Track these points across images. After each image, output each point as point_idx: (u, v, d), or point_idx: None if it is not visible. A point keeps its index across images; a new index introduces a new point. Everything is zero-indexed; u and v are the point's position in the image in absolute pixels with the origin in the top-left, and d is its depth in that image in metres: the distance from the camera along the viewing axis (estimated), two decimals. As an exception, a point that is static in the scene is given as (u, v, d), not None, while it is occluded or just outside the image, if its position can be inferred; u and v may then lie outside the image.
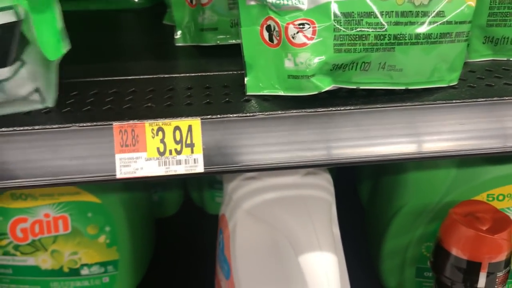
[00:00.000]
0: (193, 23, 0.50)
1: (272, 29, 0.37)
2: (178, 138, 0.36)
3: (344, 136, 0.37)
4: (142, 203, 0.70)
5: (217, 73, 0.45)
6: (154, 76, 0.44)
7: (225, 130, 0.37)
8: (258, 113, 0.37)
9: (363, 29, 0.36)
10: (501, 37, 0.44)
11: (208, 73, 0.44)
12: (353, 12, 0.36)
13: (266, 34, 0.38)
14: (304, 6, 0.37)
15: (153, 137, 0.36)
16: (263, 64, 0.39)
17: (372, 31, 0.36)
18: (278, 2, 0.37)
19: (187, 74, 0.44)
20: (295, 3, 0.37)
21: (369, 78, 0.38)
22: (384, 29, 0.36)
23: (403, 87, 0.39)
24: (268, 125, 0.37)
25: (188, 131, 0.36)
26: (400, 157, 0.38)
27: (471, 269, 0.52)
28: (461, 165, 0.61)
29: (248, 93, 0.40)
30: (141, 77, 0.44)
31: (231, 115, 0.37)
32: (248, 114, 0.37)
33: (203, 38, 0.49)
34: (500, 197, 0.61)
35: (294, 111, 0.38)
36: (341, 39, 0.36)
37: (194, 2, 0.49)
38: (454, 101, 0.38)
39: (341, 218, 0.82)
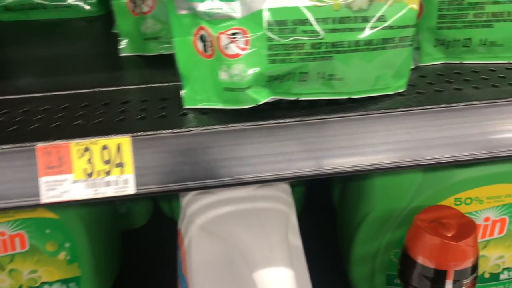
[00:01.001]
0: (137, 32, 0.48)
1: (206, 39, 0.36)
2: (106, 158, 0.34)
3: (284, 150, 0.36)
4: (105, 216, 0.68)
5: (157, 84, 0.43)
6: (91, 90, 0.42)
7: (158, 147, 0.35)
8: (193, 129, 0.35)
9: (298, 37, 0.34)
10: (452, 39, 0.42)
11: (148, 85, 0.42)
12: (286, 20, 0.34)
13: (200, 45, 0.36)
14: (237, 14, 0.35)
15: (79, 158, 0.34)
16: (199, 76, 0.37)
17: (308, 40, 0.34)
18: (209, 11, 0.35)
19: (126, 87, 0.42)
20: (227, 12, 0.35)
21: (309, 88, 0.36)
22: (320, 37, 0.34)
23: (346, 97, 0.37)
24: (204, 141, 0.35)
25: (117, 150, 0.34)
26: (344, 170, 0.36)
27: (437, 277, 0.50)
28: (427, 169, 0.59)
29: (185, 107, 0.38)
30: (78, 91, 0.42)
31: (164, 131, 0.35)
32: (182, 130, 0.35)
33: (147, 48, 0.47)
34: (468, 201, 0.60)
35: (232, 125, 0.36)
36: (276, 49, 0.34)
37: (136, 10, 0.47)
38: (400, 110, 0.37)
39: (316, 223, 0.81)
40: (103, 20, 0.61)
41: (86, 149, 0.34)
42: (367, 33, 0.35)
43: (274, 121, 0.36)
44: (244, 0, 0.34)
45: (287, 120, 0.36)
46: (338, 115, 0.36)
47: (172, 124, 0.36)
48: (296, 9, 0.34)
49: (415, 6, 0.36)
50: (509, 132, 0.37)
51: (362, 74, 0.36)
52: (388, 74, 0.37)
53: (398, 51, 0.37)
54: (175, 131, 0.35)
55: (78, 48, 0.52)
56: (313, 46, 0.35)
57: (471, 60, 0.44)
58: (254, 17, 0.34)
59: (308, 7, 0.34)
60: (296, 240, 0.54)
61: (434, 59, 0.44)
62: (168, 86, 0.42)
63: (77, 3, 0.61)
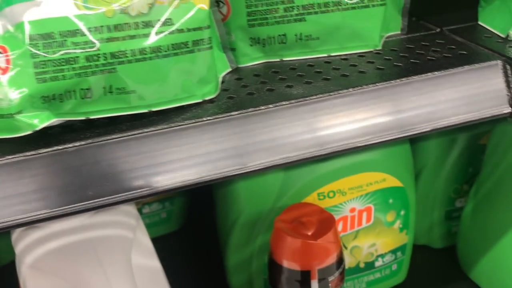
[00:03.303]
0: None
1: (-35, 61, 0.31)
2: None
3: (73, 179, 0.31)
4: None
5: None
6: None
7: None
8: (-41, 167, 0.30)
9: (69, 51, 0.30)
10: (267, 37, 0.40)
11: None
12: (53, 32, 0.30)
13: (-39, 68, 0.31)
14: (-1, 30, 0.30)
15: None
16: (-31, 104, 0.32)
17: (81, 52, 0.30)
18: (-37, 28, 0.30)
19: None
20: (-15, 28, 0.30)
21: (98, 106, 0.32)
22: (96, 48, 0.31)
23: (146, 110, 0.34)
24: (-27, 180, 0.30)
25: None
26: (149, 192, 0.33)
27: (303, 279, 0.49)
28: (288, 167, 0.58)
29: (-40, 140, 0.33)
30: None
31: None
32: None
33: None
34: (331, 194, 0.59)
35: (9, 157, 0.31)
36: (43, 66, 0.30)
37: None
38: (205, 119, 0.34)
39: (201, 235, 0.78)
40: None
41: None
42: (152, 39, 0.32)
43: (61, 147, 0.32)
44: (3, 12, 0.30)
45: (76, 144, 0.32)
46: (136, 132, 0.33)
47: None
48: (63, 19, 0.30)
49: (204, 6, 0.33)
50: (322, 130, 0.36)
51: (158, 84, 0.33)
52: (190, 81, 0.34)
53: (195, 55, 0.34)
54: None
55: None
56: (89, 58, 0.31)
57: (290, 57, 0.42)
58: (15, 32, 0.30)
59: (76, 16, 0.30)
60: (152, 262, 0.50)
61: (253, 59, 0.41)
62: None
63: None
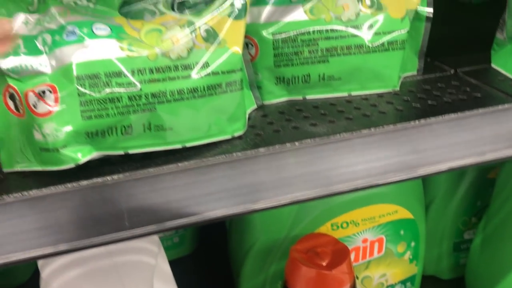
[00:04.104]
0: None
1: (15, 97, 0.33)
2: None
3: (111, 209, 0.33)
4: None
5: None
6: None
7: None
8: (5, 197, 0.32)
9: (113, 90, 0.32)
10: (291, 76, 0.42)
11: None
12: (99, 73, 0.32)
13: (11, 104, 0.33)
14: (48, 69, 0.32)
15: None
16: (15, 137, 0.34)
17: (124, 92, 0.32)
18: (15, 67, 0.32)
19: None
20: (36, 67, 0.32)
21: (137, 141, 0.34)
22: (138, 89, 0.33)
23: (180, 146, 0.36)
24: (18, 210, 0.32)
25: None
26: (180, 224, 0.35)
27: (317, 307, 0.50)
28: (303, 198, 0.59)
29: (4, 170, 0.35)
30: None
31: (-30, 204, 0.31)
32: (-6, 199, 0.32)
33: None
34: (344, 225, 0.61)
35: (52, 188, 0.33)
36: (89, 104, 0.32)
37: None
38: (234, 155, 0.36)
39: (213, 259, 0.79)
40: None
41: None
42: (190, 81, 0.34)
43: (101, 179, 0.33)
44: (53, 54, 0.32)
45: (115, 177, 0.33)
46: (172, 166, 0.35)
47: (-14, 192, 0.33)
48: (108, 62, 0.32)
49: (238, 49, 0.35)
50: (344, 168, 0.38)
51: (193, 122, 0.35)
52: (222, 119, 0.36)
53: (228, 96, 0.36)
54: (-15, 202, 0.32)
55: None
56: (131, 98, 0.33)
57: (313, 95, 0.44)
58: (63, 72, 0.32)
59: (120, 59, 0.32)
60: (172, 289, 0.51)
61: (277, 96, 0.44)
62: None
63: None
